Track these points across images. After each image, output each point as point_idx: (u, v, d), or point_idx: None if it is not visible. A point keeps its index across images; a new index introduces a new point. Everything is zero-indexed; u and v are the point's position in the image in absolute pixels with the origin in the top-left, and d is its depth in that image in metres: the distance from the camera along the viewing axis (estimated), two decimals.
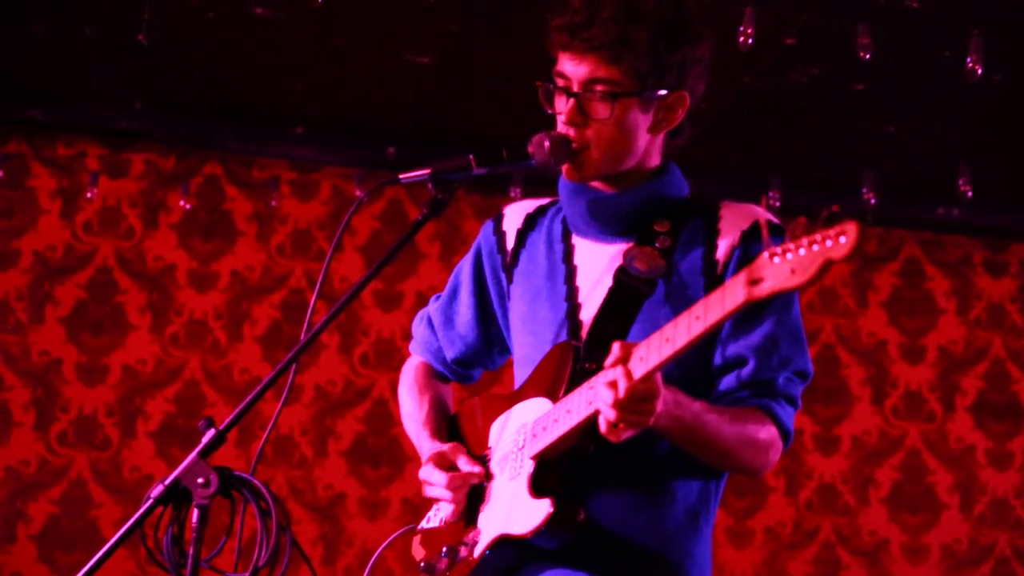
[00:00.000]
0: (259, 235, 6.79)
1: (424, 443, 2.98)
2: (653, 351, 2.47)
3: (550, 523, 2.62)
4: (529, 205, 3.05)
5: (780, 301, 2.77)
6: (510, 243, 3.01)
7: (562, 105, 2.80)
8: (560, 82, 2.80)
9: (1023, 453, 7.24)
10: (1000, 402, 7.29)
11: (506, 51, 5.57)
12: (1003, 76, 5.44)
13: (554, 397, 2.72)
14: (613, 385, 2.49)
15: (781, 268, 2.27)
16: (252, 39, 5.69)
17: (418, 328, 3.16)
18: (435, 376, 3.14)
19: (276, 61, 5.90)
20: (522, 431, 2.76)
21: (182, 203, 6.66)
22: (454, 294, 3.09)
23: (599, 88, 2.76)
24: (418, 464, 3.00)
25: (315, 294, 2.84)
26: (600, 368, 2.61)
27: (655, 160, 2.88)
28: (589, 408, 2.57)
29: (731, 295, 2.36)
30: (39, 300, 6.58)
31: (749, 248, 2.78)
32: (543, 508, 2.63)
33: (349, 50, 5.74)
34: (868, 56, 5.12)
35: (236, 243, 6.77)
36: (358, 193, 6.71)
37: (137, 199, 6.71)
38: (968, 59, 5.16)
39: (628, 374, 2.48)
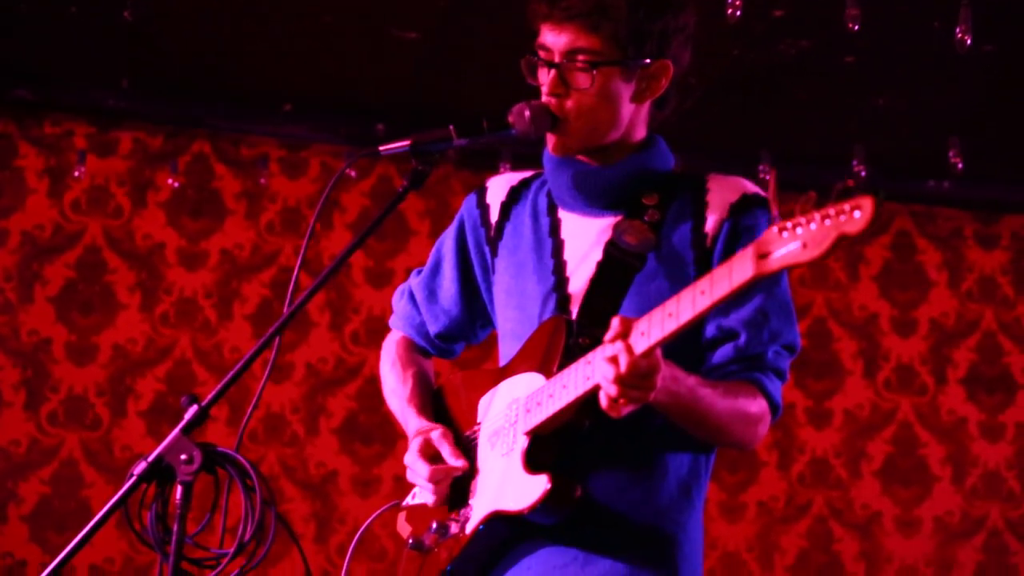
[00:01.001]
0: (248, 213, 6.77)
1: (411, 420, 2.96)
2: (655, 326, 2.45)
3: (547, 499, 2.61)
4: (513, 178, 3.04)
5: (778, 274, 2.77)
6: (494, 216, 2.99)
7: (544, 77, 2.79)
8: (542, 54, 2.79)
9: (1015, 425, 7.25)
10: (992, 374, 7.29)
11: (494, 26, 5.54)
12: (993, 47, 5.43)
13: (547, 372, 2.70)
14: (614, 360, 2.47)
15: (792, 242, 2.24)
16: (239, 17, 5.67)
17: (399, 303, 3.14)
18: (417, 351, 3.12)
19: (264, 39, 5.88)
20: (514, 406, 2.75)
21: (170, 181, 6.64)
22: (437, 268, 3.07)
23: (580, 58, 2.75)
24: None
25: (297, 268, 2.81)
26: (594, 343, 2.61)
27: (641, 132, 2.87)
28: (588, 383, 2.55)
29: (739, 269, 2.33)
30: (28, 280, 6.56)
31: (738, 221, 2.78)
32: (540, 484, 2.62)
33: (336, 27, 5.72)
34: (857, 28, 5.10)
35: (225, 221, 6.75)
36: (348, 170, 6.69)
37: (125, 178, 6.68)
38: (957, 30, 5.14)
39: (629, 349, 2.46)
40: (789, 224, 2.24)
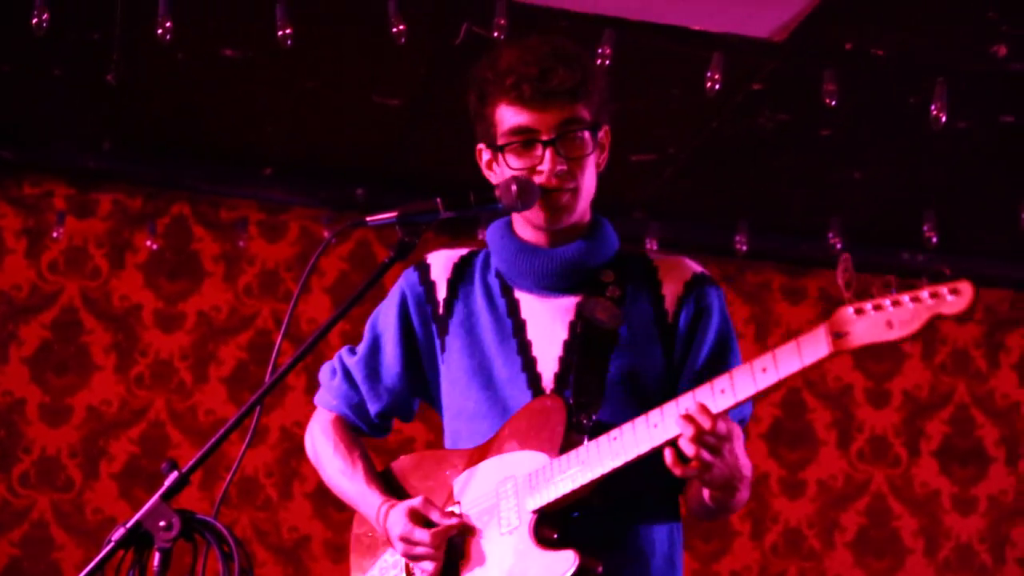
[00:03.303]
0: (226, 276, 6.77)
1: (373, 500, 2.92)
2: (730, 392, 2.52)
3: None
4: (452, 254, 3.05)
5: (735, 346, 2.89)
6: (441, 293, 2.99)
7: (530, 160, 2.82)
8: (521, 136, 2.82)
9: (987, 498, 7.27)
10: (965, 447, 7.32)
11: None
12: (968, 124, 5.51)
13: (550, 451, 2.71)
14: (691, 419, 2.52)
15: (873, 321, 2.33)
16: (221, 80, 5.70)
17: (332, 381, 3.10)
18: (354, 430, 3.09)
19: (245, 102, 5.90)
20: (508, 484, 2.75)
21: (149, 243, 6.64)
22: (376, 346, 3.04)
23: (574, 128, 2.81)
24: None
25: (281, 335, 2.84)
26: (591, 421, 2.70)
27: (590, 211, 2.94)
28: (650, 444, 2.59)
29: (811, 348, 2.41)
30: (3, 340, 6.53)
31: (698, 300, 2.88)
32: (567, 560, 2.63)
33: (318, 92, 5.75)
34: (834, 103, 5.17)
35: (203, 283, 6.75)
36: (326, 234, 6.71)
37: (103, 239, 6.67)
38: (932, 107, 5.22)
39: (705, 408, 2.52)
40: (868, 305, 2.34)
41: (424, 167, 6.38)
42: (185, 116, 6.10)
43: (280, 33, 4.83)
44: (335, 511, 6.67)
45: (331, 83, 5.68)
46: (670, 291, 2.88)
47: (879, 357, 7.28)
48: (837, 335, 2.36)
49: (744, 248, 6.64)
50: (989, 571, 7.21)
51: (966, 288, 2.27)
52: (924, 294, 2.28)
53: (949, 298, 2.27)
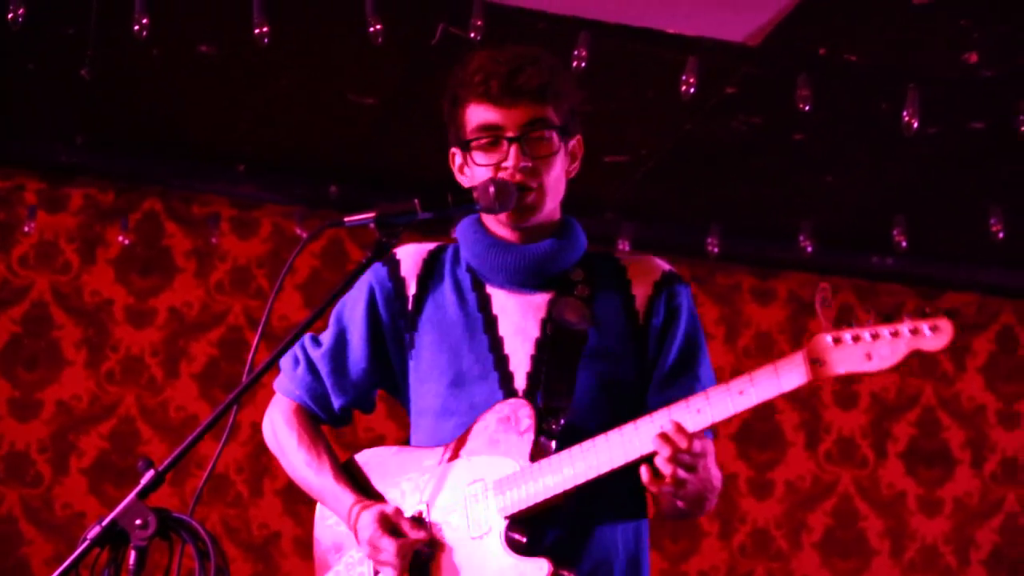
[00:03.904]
0: (198, 272, 6.75)
1: (344, 499, 2.92)
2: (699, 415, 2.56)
3: None
4: (421, 249, 3.06)
5: (703, 345, 2.91)
6: (411, 289, 2.99)
7: (495, 157, 2.85)
8: (488, 134, 2.85)
9: (953, 500, 7.32)
10: (931, 449, 7.37)
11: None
12: (938, 129, 5.55)
13: (520, 456, 2.73)
14: (667, 439, 2.56)
15: (851, 352, 2.37)
16: (196, 76, 5.68)
17: (295, 371, 3.08)
18: (315, 420, 3.07)
19: (220, 99, 5.89)
20: (477, 486, 2.76)
21: (120, 238, 6.62)
22: (342, 339, 3.03)
23: (540, 127, 2.84)
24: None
25: (258, 335, 2.84)
26: (558, 423, 2.72)
27: (559, 211, 2.96)
28: (621, 460, 2.63)
29: (788, 375, 2.45)
30: None
31: (669, 299, 2.91)
32: (540, 569, 2.65)
33: (294, 89, 5.75)
34: (808, 108, 5.20)
35: (174, 279, 6.73)
36: (299, 231, 6.70)
37: (75, 233, 6.65)
38: (904, 113, 5.26)
39: (681, 428, 2.56)
40: (847, 336, 2.38)
41: (398, 166, 6.38)
42: (159, 112, 6.08)
43: (257, 31, 4.82)
44: (305, 508, 6.63)
45: (306, 81, 5.68)
46: (640, 292, 2.91)
47: None
48: (815, 362, 2.40)
49: (716, 250, 6.68)
50: (954, 572, 7.26)
51: (946, 326, 2.31)
52: (904, 328, 2.33)
53: (928, 334, 2.31)
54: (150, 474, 2.60)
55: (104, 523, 2.55)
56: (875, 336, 2.34)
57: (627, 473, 2.65)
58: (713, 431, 2.86)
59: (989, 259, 7.01)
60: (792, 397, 7.12)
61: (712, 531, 7.09)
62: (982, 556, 7.31)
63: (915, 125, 5.26)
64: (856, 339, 2.35)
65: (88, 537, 2.56)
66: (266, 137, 6.27)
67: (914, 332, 2.31)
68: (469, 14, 4.90)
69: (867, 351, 2.34)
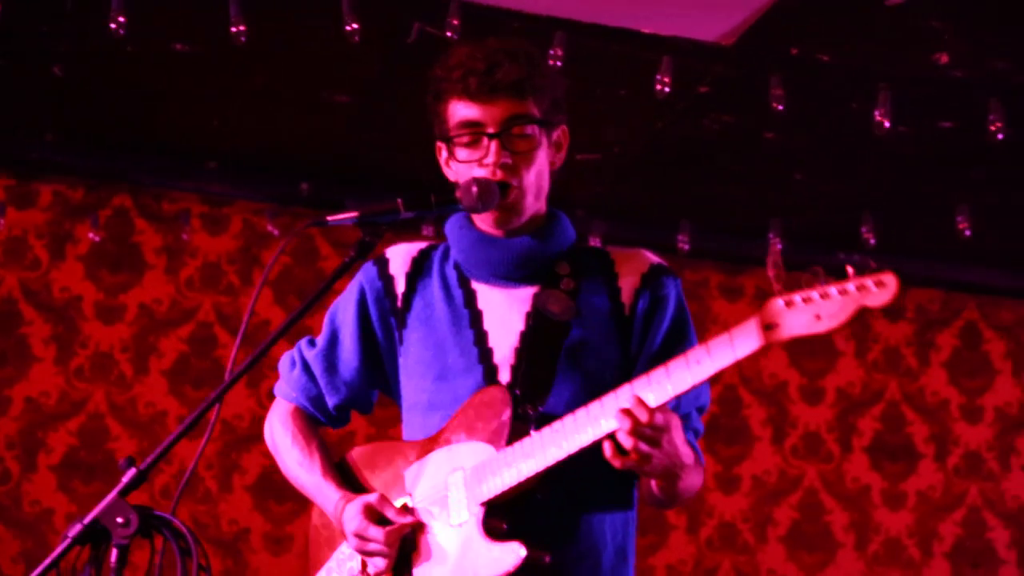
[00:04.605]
0: (168, 268, 6.73)
1: (330, 493, 2.96)
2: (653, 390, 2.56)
3: (522, 568, 2.65)
4: (412, 248, 3.08)
5: (691, 336, 2.92)
6: (400, 287, 3.02)
7: (477, 153, 2.87)
8: (469, 130, 2.87)
9: (916, 494, 7.39)
10: (895, 444, 7.44)
11: (422, 96, 5.60)
12: (908, 129, 5.59)
13: (496, 443, 2.75)
14: (628, 413, 2.56)
15: (802, 314, 2.36)
16: (170, 74, 5.66)
17: (291, 373, 3.12)
18: (312, 422, 3.11)
19: (193, 96, 5.87)
20: (457, 475, 2.78)
21: (91, 235, 6.59)
22: (335, 339, 3.07)
23: (520, 123, 2.85)
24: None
25: (240, 335, 2.84)
26: (536, 412, 2.73)
27: (545, 204, 2.98)
28: (592, 436, 2.62)
29: (743, 340, 2.44)
30: None
31: (654, 291, 2.92)
32: (514, 552, 2.66)
33: (268, 87, 5.73)
34: (781, 107, 5.23)
35: (144, 276, 6.71)
36: (270, 228, 6.69)
37: (44, 230, 6.62)
38: (876, 112, 5.31)
39: (642, 401, 2.56)
40: (797, 297, 2.36)
41: (370, 164, 6.39)
42: (130, 109, 6.05)
43: (234, 30, 4.81)
44: (275, 504, 6.67)
45: (280, 79, 5.66)
46: (627, 283, 2.93)
47: (813, 354, 7.38)
48: (768, 327, 2.39)
49: (687, 247, 6.71)
50: (917, 565, 7.32)
51: (891, 280, 2.30)
52: (851, 286, 2.31)
53: (874, 290, 2.30)
54: (132, 472, 2.59)
55: (85, 521, 2.54)
56: (824, 296, 2.32)
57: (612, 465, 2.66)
58: (695, 433, 2.90)
59: (954, 256, 7.07)
60: (759, 392, 7.24)
61: (679, 525, 7.13)
62: (945, 549, 7.38)
63: (887, 125, 5.31)
64: (807, 300, 2.34)
65: (69, 535, 2.55)
66: (238, 134, 6.25)
67: (860, 288, 2.31)
68: (445, 13, 4.90)
69: (816, 312, 2.33)
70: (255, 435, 6.66)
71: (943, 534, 7.39)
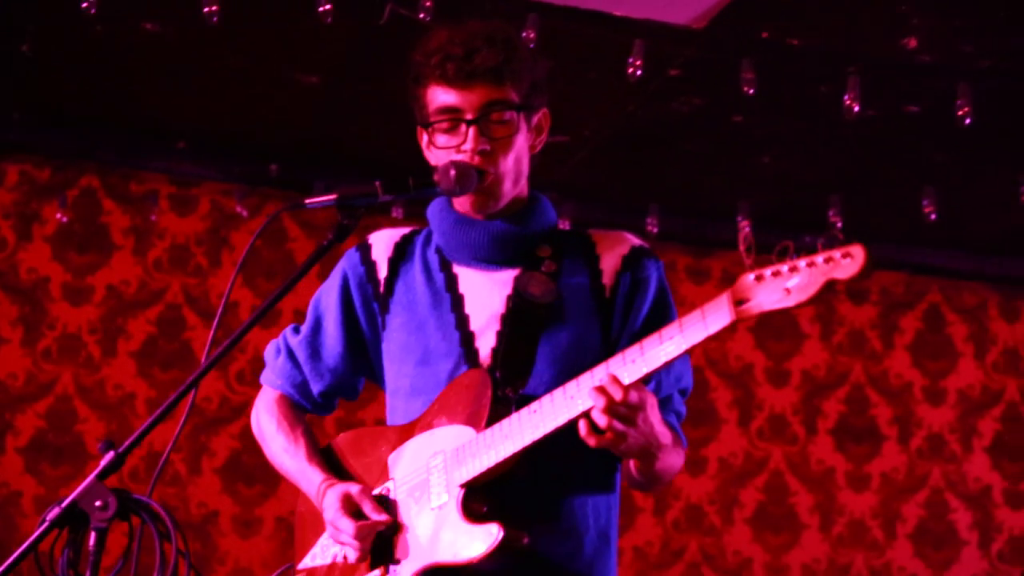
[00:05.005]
0: (136, 249, 6.71)
1: (313, 479, 2.96)
2: (628, 369, 2.56)
3: (499, 548, 2.64)
4: (395, 233, 3.08)
5: (671, 311, 2.94)
6: (382, 272, 3.02)
7: (453, 139, 2.86)
8: (447, 116, 2.86)
9: (880, 476, 7.46)
10: (859, 426, 7.50)
11: (394, 75, 5.59)
12: (875, 112, 5.62)
13: (476, 425, 2.75)
14: (603, 391, 2.56)
15: (772, 288, 2.35)
16: (139, 53, 5.63)
17: (276, 360, 3.13)
18: (297, 408, 3.11)
19: (162, 76, 5.84)
20: (438, 458, 2.78)
21: (58, 215, 6.55)
22: (318, 325, 3.07)
23: (498, 109, 2.84)
24: (291, 484, 3.05)
25: (216, 321, 2.85)
26: (517, 394, 2.74)
27: (527, 187, 2.98)
28: (568, 415, 2.62)
29: (715, 316, 2.44)
30: None
31: (634, 273, 2.91)
32: (492, 533, 2.66)
33: (238, 67, 5.71)
34: (752, 91, 5.26)
35: (112, 257, 6.69)
36: (238, 208, 6.67)
37: (11, 210, 6.58)
38: (846, 97, 5.34)
39: (616, 379, 2.56)
40: (767, 272, 2.35)
41: (340, 145, 6.38)
42: (99, 88, 6.03)
43: (206, 10, 4.80)
44: (244, 487, 6.66)
45: (251, 59, 5.64)
46: (608, 265, 2.92)
47: (779, 337, 7.42)
48: (739, 302, 2.39)
49: (655, 230, 6.73)
50: (881, 546, 7.39)
51: (858, 252, 2.29)
52: (819, 259, 2.30)
53: (843, 262, 2.28)
54: (110, 455, 2.59)
55: (64, 504, 2.54)
56: (793, 269, 2.31)
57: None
58: (677, 416, 2.91)
59: (919, 239, 7.12)
60: (725, 374, 7.28)
61: (647, 507, 7.17)
62: (908, 530, 7.46)
63: (856, 109, 5.34)
64: (776, 274, 2.33)
65: (47, 518, 2.55)
66: (207, 115, 6.24)
67: (828, 261, 2.29)
68: None
69: (786, 286, 2.32)
70: (224, 418, 6.66)
71: (906, 515, 7.46)
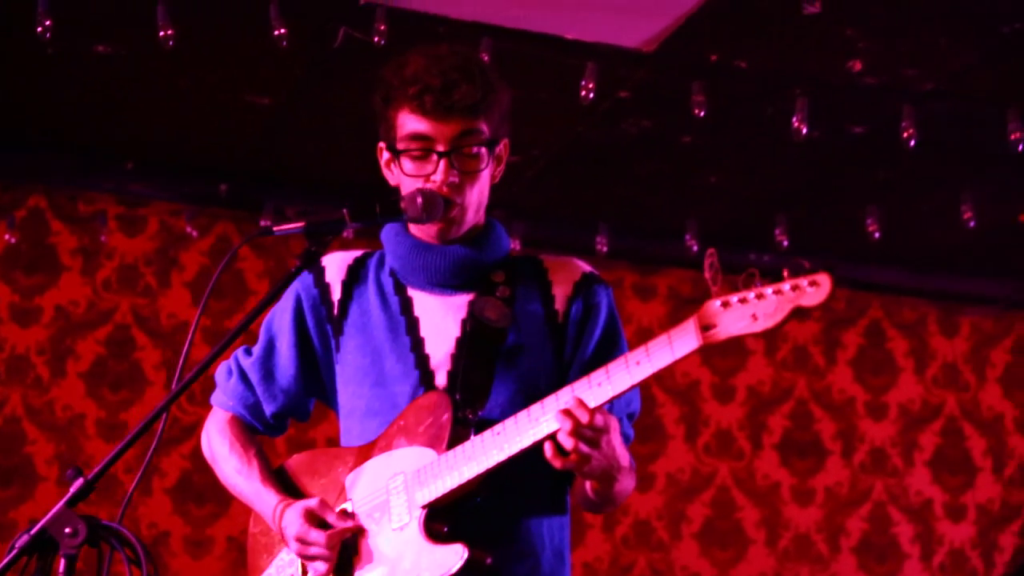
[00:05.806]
0: (84, 270, 6.67)
1: (269, 499, 2.97)
2: (593, 393, 2.59)
3: (464, 569, 2.67)
4: (347, 256, 3.09)
5: (622, 343, 2.98)
6: (336, 295, 3.04)
7: (425, 168, 2.88)
8: (419, 144, 2.88)
9: (824, 490, 7.54)
10: (804, 440, 7.57)
11: (343, 100, 5.62)
12: (820, 133, 5.70)
13: (437, 446, 2.77)
14: (569, 414, 2.59)
15: (738, 314, 2.40)
16: (89, 75, 5.60)
17: (227, 382, 3.13)
18: (250, 430, 3.11)
19: (111, 97, 5.81)
20: (398, 479, 2.80)
21: (6, 236, 6.51)
22: (271, 347, 3.08)
23: (469, 142, 2.87)
24: (242, 504, 3.06)
25: (188, 342, 2.85)
26: (476, 417, 2.77)
27: (484, 214, 3.01)
28: (533, 438, 2.65)
29: (681, 341, 2.48)
30: None
31: (586, 299, 2.96)
32: (456, 553, 2.69)
33: (190, 88, 5.70)
34: (703, 113, 5.32)
35: (60, 277, 6.65)
36: (188, 229, 6.66)
37: None
38: (794, 119, 5.41)
39: (582, 403, 2.59)
40: (734, 298, 2.40)
41: (290, 165, 6.39)
42: (47, 109, 5.99)
43: (162, 34, 4.79)
44: (195, 507, 6.64)
45: (203, 80, 5.64)
46: (560, 291, 2.96)
47: (725, 353, 7.48)
48: (706, 328, 2.43)
49: (604, 249, 6.77)
50: (825, 560, 7.47)
51: (824, 280, 2.34)
52: (786, 287, 2.36)
53: (809, 290, 2.34)
54: (79, 482, 2.60)
55: (32, 531, 2.53)
56: (760, 296, 2.36)
57: (549, 469, 2.69)
58: (626, 439, 2.95)
59: (861, 256, 7.20)
60: (672, 391, 7.34)
61: (596, 523, 7.20)
62: (852, 543, 7.54)
63: (804, 131, 5.42)
64: (743, 301, 2.38)
65: (16, 546, 2.55)
66: (156, 134, 6.21)
67: (795, 288, 2.35)
68: (372, 19, 4.92)
69: (752, 312, 2.37)
70: (174, 438, 6.64)
71: (850, 529, 7.54)
